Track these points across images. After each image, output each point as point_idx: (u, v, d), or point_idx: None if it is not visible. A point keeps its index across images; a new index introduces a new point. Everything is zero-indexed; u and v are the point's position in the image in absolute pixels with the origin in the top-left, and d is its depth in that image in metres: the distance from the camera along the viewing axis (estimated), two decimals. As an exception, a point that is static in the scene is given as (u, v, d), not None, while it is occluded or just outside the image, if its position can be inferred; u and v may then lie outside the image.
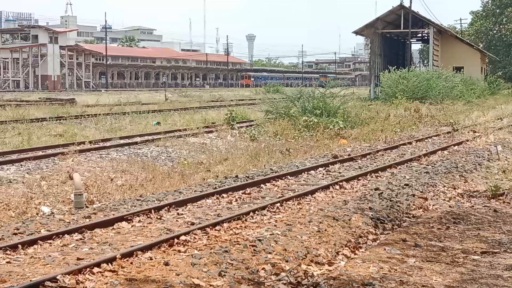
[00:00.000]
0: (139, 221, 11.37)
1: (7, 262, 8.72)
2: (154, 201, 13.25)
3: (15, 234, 10.34)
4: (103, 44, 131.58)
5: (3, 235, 10.18)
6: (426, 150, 22.57)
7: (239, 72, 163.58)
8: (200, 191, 14.28)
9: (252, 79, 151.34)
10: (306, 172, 17.44)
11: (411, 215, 13.06)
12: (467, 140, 25.93)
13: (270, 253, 9.39)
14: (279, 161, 20.30)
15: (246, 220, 11.41)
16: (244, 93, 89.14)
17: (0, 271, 8.25)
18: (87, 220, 11.49)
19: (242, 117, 33.78)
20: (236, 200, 13.49)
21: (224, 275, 8.40)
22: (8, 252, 9.15)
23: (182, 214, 12.02)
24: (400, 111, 39.89)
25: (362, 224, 11.73)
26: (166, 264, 8.52)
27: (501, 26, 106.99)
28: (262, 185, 15.35)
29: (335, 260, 9.79)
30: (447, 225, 12.02)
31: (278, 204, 12.76)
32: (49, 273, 8.12)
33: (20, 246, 9.41)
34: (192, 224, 11.03)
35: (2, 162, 17.89)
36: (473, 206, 13.97)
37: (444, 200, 14.66)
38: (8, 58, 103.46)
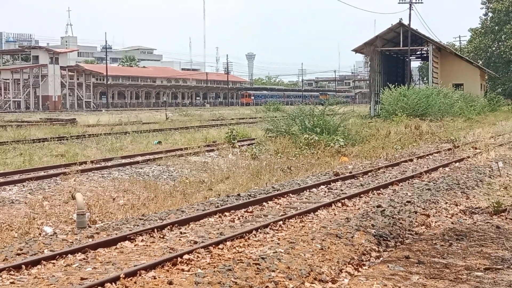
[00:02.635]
0: (142, 240, 11.38)
1: (11, 283, 8.72)
2: (157, 220, 13.26)
3: (19, 254, 10.34)
4: (103, 64, 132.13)
5: (6, 256, 10.18)
6: (427, 167, 22.58)
7: (239, 91, 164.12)
8: (203, 210, 14.29)
9: (252, 97, 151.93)
10: (308, 190, 17.46)
11: (414, 232, 13.06)
12: (468, 157, 25.96)
13: (273, 271, 9.38)
14: (280, 179, 20.32)
15: (249, 238, 11.42)
16: (244, 111, 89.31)
17: (4, 291, 8.26)
18: (90, 239, 11.50)
19: (243, 135, 33.82)
20: (239, 219, 13.50)
21: (228, 293, 8.40)
22: (12, 272, 9.15)
23: (185, 233, 12.03)
24: (400, 128, 39.95)
25: (365, 242, 11.73)
26: (170, 283, 8.52)
27: (500, 43, 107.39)
28: (264, 203, 15.36)
29: (339, 278, 9.78)
30: (449, 241, 12.02)
31: (281, 222, 12.77)
32: (53, 293, 8.13)
33: (23, 266, 9.41)
34: (195, 243, 11.03)
35: (4, 182, 17.90)
36: (475, 222, 13.96)
37: (446, 216, 14.66)
38: (9, 79, 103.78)
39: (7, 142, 29.79)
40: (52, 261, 9.84)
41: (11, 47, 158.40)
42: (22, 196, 16.29)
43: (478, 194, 17.82)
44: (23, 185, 17.70)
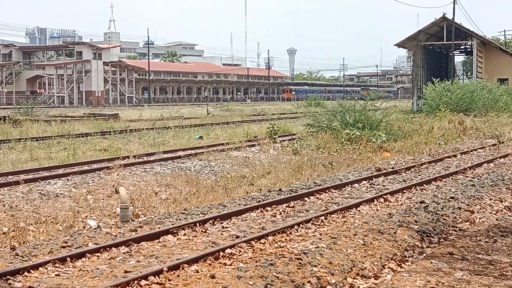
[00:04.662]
0: (184, 234, 11.45)
1: (56, 275, 8.86)
2: (199, 214, 13.33)
3: (64, 247, 10.49)
4: (145, 59, 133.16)
5: (52, 248, 10.34)
6: (472, 163, 22.30)
7: (280, 86, 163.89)
8: (244, 205, 14.32)
9: (293, 92, 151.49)
10: (349, 185, 17.38)
11: (458, 228, 12.90)
12: (513, 153, 25.55)
13: (315, 266, 9.36)
14: (322, 174, 20.25)
15: (290, 233, 11.41)
16: (285, 106, 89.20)
17: (49, 283, 8.38)
18: (133, 233, 11.61)
19: (284, 130, 33.80)
20: (280, 213, 13.50)
21: (270, 288, 8.41)
22: (57, 265, 9.29)
23: (226, 227, 12.07)
24: (444, 124, 39.49)
25: (408, 237, 11.63)
26: (212, 277, 8.56)
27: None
28: (305, 198, 15.33)
29: (381, 274, 9.71)
30: (494, 238, 11.86)
31: (323, 217, 12.73)
32: (98, 286, 8.23)
33: (68, 259, 9.55)
34: (237, 237, 11.06)
35: (49, 176, 18.18)
36: (521, 219, 13.74)
37: (491, 213, 14.46)
38: (53, 74, 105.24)
39: (52, 136, 30.26)
40: (97, 254, 9.97)
41: (55, 43, 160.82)
42: (67, 190, 16.53)
43: (524, 190, 17.52)
44: (68, 179, 17.95)
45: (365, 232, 11.44)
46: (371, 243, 10.85)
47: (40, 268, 9.10)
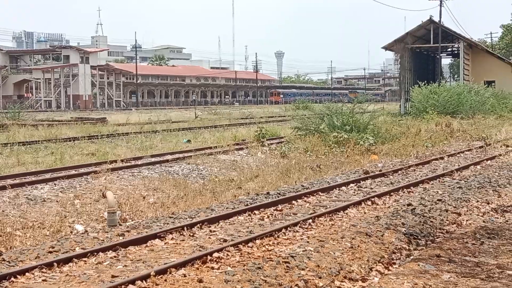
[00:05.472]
0: (172, 238, 11.44)
1: (43, 280, 8.82)
2: (187, 218, 13.32)
3: (50, 252, 10.45)
4: (133, 63, 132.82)
5: (38, 254, 10.30)
6: (459, 165, 22.38)
7: (268, 89, 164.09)
8: (232, 208, 14.31)
9: (281, 96, 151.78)
10: (337, 188, 17.41)
11: (445, 231, 12.94)
12: (500, 155, 25.69)
13: (303, 269, 9.37)
14: (310, 177, 20.27)
15: (278, 236, 11.42)
16: (273, 110, 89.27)
17: (36, 288, 8.35)
18: (121, 238, 11.58)
19: (272, 134, 33.78)
20: (268, 217, 13.50)
21: (258, 291, 8.40)
22: (44, 270, 9.25)
23: (214, 231, 12.06)
24: (431, 126, 39.65)
25: (395, 240, 11.66)
26: (200, 281, 8.55)
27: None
28: (293, 201, 15.34)
29: (369, 276, 9.73)
30: (481, 240, 11.91)
31: (310, 221, 12.74)
32: (85, 291, 8.19)
33: (55, 264, 9.51)
34: (225, 241, 11.06)
35: (36, 181, 18.08)
36: (507, 221, 13.81)
37: (477, 215, 14.51)
38: (40, 79, 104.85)
39: (39, 141, 30.13)
40: (84, 259, 9.93)
41: (42, 47, 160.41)
42: (54, 194, 16.46)
43: (510, 192, 17.60)
44: (55, 184, 17.86)
45: (352, 235, 11.47)
46: (358, 246, 10.87)
47: (26, 274, 9.06)
